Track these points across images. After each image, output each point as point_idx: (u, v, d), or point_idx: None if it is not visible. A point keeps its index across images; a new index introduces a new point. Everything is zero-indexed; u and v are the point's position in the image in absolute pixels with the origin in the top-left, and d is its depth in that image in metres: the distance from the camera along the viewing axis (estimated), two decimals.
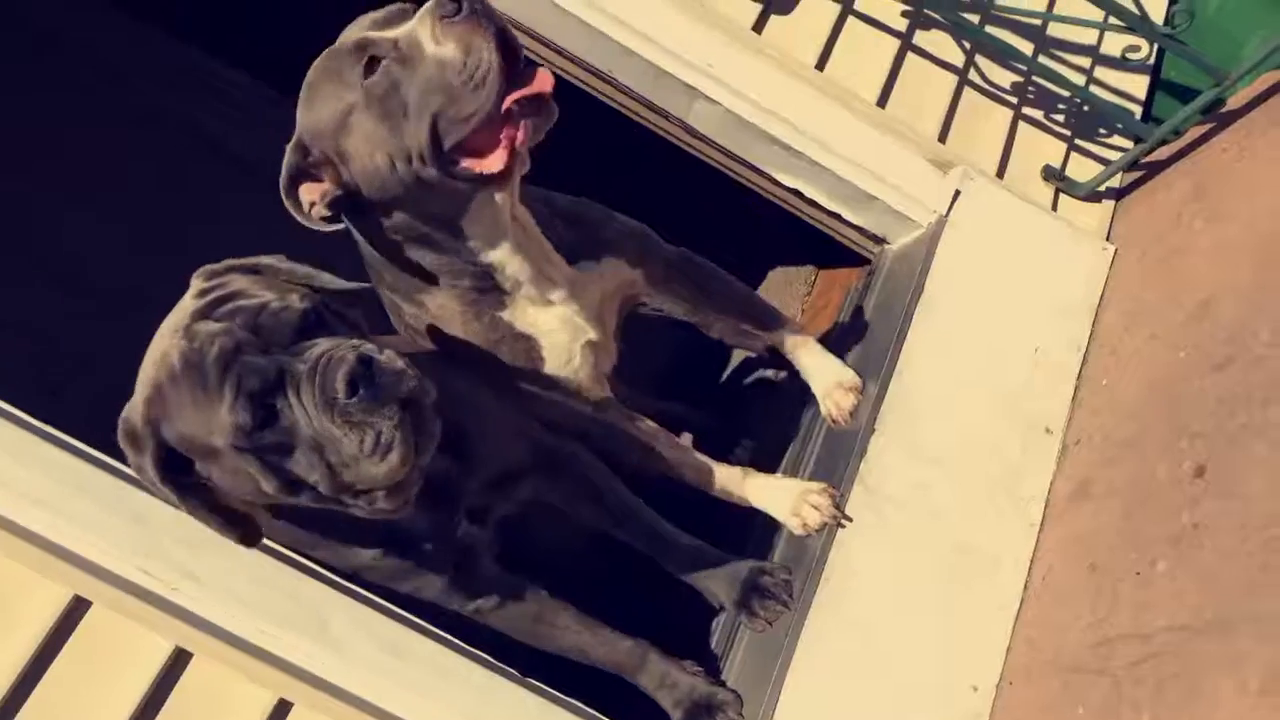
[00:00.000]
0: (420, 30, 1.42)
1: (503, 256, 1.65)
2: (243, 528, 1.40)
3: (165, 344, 1.33)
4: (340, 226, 1.57)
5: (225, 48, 3.26)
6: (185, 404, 1.29)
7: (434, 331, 1.77)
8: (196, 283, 1.43)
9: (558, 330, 1.77)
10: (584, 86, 2.26)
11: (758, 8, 2.27)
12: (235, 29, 3.24)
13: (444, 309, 1.72)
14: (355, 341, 1.33)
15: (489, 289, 1.69)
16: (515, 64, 1.45)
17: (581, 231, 1.83)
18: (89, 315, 2.84)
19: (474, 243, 1.61)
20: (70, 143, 2.98)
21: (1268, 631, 1.26)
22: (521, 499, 1.86)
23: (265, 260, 1.50)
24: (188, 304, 1.37)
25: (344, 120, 1.47)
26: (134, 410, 1.33)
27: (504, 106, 1.44)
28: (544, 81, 1.46)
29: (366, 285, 1.60)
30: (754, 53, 2.20)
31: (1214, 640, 1.33)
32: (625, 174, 2.80)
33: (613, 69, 2.18)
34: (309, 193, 1.54)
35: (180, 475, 1.33)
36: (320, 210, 1.54)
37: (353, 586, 1.65)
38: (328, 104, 1.48)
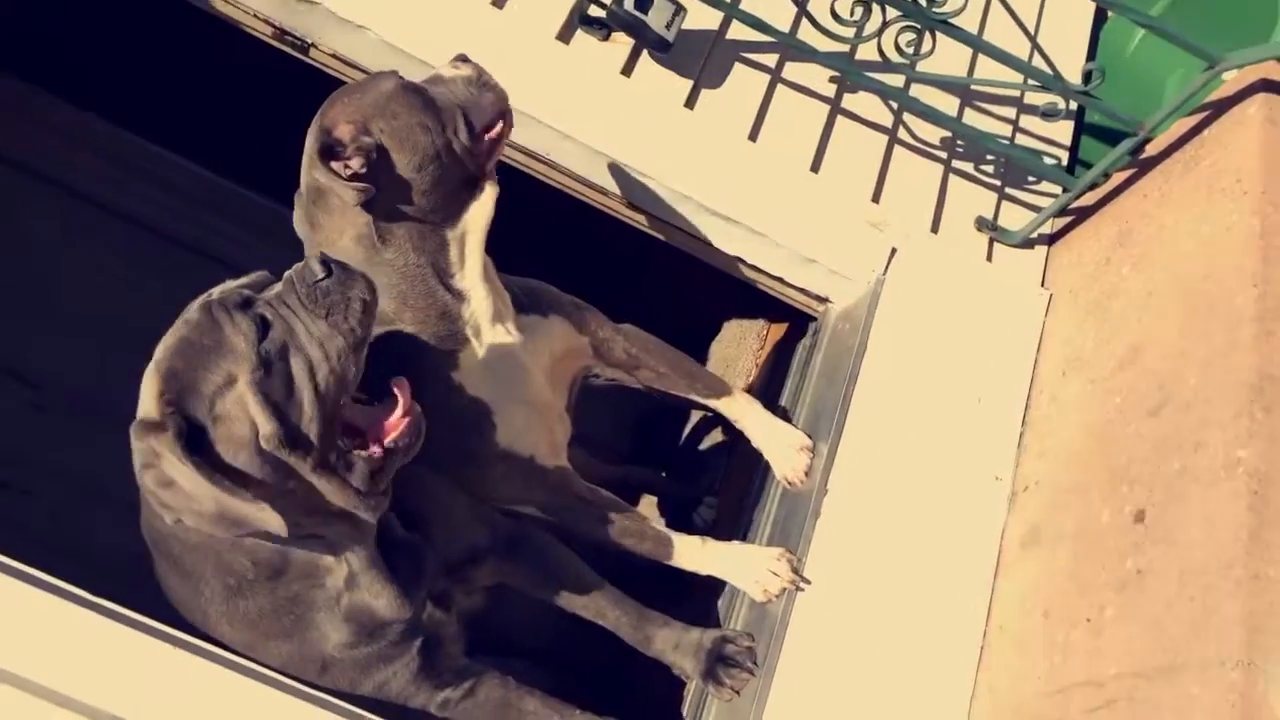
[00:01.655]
0: (441, 70, 1.84)
1: (473, 282, 1.76)
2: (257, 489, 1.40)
3: (166, 341, 1.43)
4: (372, 190, 1.66)
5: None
6: (199, 360, 1.38)
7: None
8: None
9: (509, 390, 1.80)
10: (525, 170, 2.31)
11: (690, 84, 2.33)
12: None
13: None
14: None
15: (450, 335, 1.75)
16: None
17: (529, 293, 1.94)
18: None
19: (454, 255, 1.74)
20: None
21: (1210, 676, 1.29)
22: (482, 583, 1.87)
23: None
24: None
25: (385, 99, 1.69)
26: (146, 410, 1.38)
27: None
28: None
29: None
30: (686, 129, 2.25)
31: (1163, 687, 1.36)
32: (567, 250, 2.85)
33: (550, 151, 2.23)
34: (340, 166, 1.67)
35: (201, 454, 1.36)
36: (356, 167, 1.66)
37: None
38: (365, 92, 1.70)
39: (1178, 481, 1.54)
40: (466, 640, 1.88)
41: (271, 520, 1.37)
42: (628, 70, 2.30)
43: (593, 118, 2.19)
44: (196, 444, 1.36)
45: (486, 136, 1.78)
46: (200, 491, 1.35)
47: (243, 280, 1.51)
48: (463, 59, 1.82)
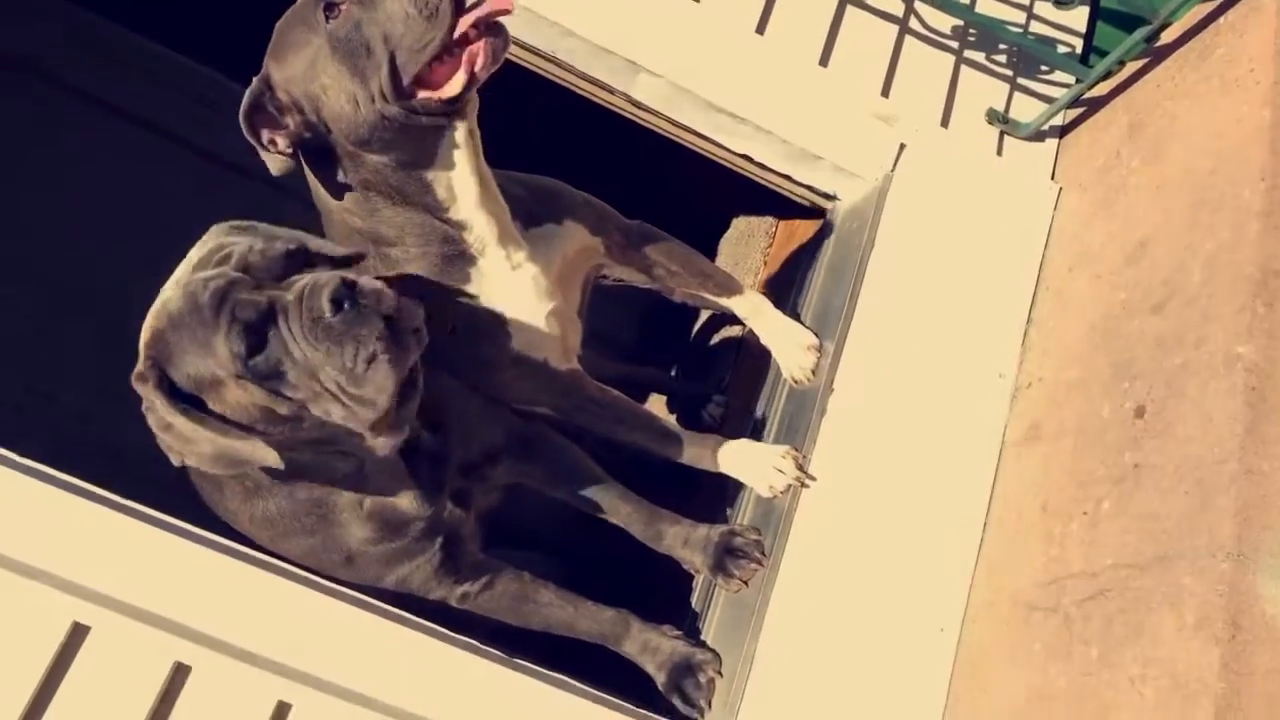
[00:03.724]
0: None
1: (469, 212, 1.72)
2: (271, 441, 1.47)
3: (164, 297, 1.45)
4: (290, 163, 1.66)
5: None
6: (186, 344, 1.41)
7: None
8: (195, 246, 1.54)
9: (522, 299, 1.82)
10: (528, 66, 2.27)
11: None
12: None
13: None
14: (337, 271, 1.43)
15: (456, 255, 1.76)
16: None
17: (541, 200, 1.91)
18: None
19: (442, 194, 1.69)
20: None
21: (1202, 567, 1.33)
22: (499, 482, 1.92)
23: (257, 224, 1.60)
24: (185, 262, 1.50)
25: (310, 64, 1.57)
26: (140, 360, 1.44)
27: (458, 32, 1.54)
28: (500, 2, 1.55)
29: (358, 251, 1.66)
30: (693, 21, 2.20)
31: (1155, 577, 1.41)
32: (577, 148, 2.81)
33: (555, 49, 2.19)
34: (270, 133, 1.65)
35: (188, 403, 1.43)
36: (281, 148, 1.64)
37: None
38: (294, 50, 1.58)
39: (1178, 377, 1.56)
40: (484, 535, 1.95)
41: (268, 456, 1.44)
42: None
43: (596, 11, 2.15)
44: (183, 395, 1.43)
45: (422, 93, 1.57)
46: (194, 434, 1.42)
47: (271, 250, 1.45)
48: None
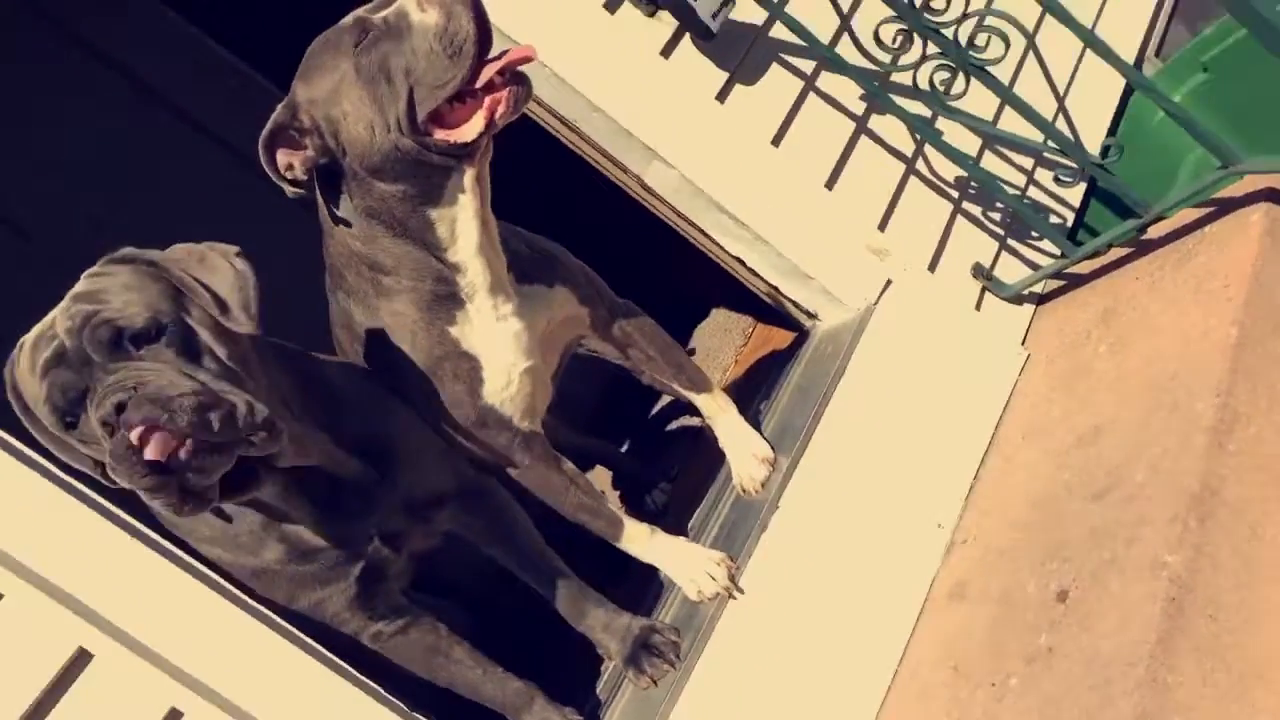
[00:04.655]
0: (406, 2, 1.56)
1: (467, 256, 1.75)
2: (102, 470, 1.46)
3: (30, 335, 1.47)
4: (301, 192, 1.70)
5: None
6: (27, 387, 1.45)
7: (377, 344, 1.85)
8: (81, 280, 1.53)
9: (501, 351, 1.84)
10: (550, 130, 2.32)
11: (725, 76, 2.34)
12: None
13: (398, 316, 1.81)
14: (141, 380, 1.38)
15: (446, 295, 1.78)
16: (487, 43, 1.58)
17: (539, 259, 1.94)
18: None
19: (442, 234, 1.72)
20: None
21: None
22: (440, 527, 1.92)
23: (166, 255, 1.58)
24: (63, 301, 1.49)
25: (335, 89, 1.61)
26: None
27: (482, 79, 1.59)
28: (524, 52, 1.61)
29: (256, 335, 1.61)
30: (715, 121, 2.27)
31: None
32: (578, 206, 2.87)
33: (579, 120, 2.24)
34: (288, 156, 1.67)
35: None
36: (297, 174, 1.67)
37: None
38: (323, 73, 1.62)
39: (1105, 570, 1.62)
40: (411, 576, 1.94)
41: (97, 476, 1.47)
42: (667, 51, 2.31)
43: (625, 93, 2.21)
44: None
45: (439, 132, 1.61)
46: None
47: (104, 332, 1.43)
48: None
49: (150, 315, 1.47)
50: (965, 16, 2.04)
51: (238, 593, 1.68)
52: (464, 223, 1.73)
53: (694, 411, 2.76)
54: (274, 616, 1.69)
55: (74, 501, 1.60)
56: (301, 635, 1.70)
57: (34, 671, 1.53)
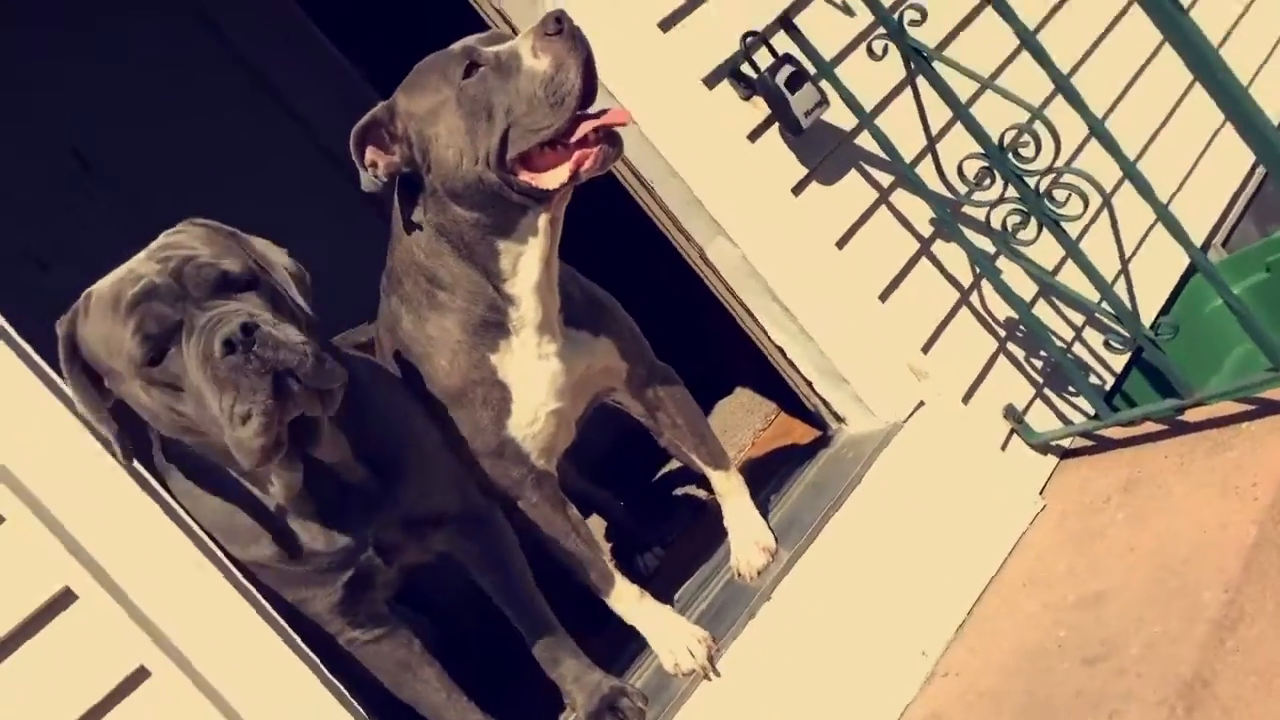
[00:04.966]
0: (522, 44, 1.63)
1: (524, 291, 1.80)
2: (123, 442, 1.53)
3: (111, 275, 1.52)
4: (377, 186, 1.77)
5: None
6: (99, 329, 1.48)
7: (417, 353, 1.89)
8: (166, 233, 1.60)
9: (535, 388, 1.88)
10: (624, 182, 2.37)
11: (804, 172, 2.39)
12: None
13: (444, 332, 1.85)
14: (254, 311, 1.47)
15: (495, 323, 1.82)
16: (590, 98, 1.65)
17: (590, 307, 1.98)
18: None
19: (505, 266, 1.77)
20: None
21: None
22: (435, 547, 1.92)
23: (245, 235, 1.65)
24: (149, 246, 1.56)
25: (435, 110, 1.68)
26: (70, 311, 1.53)
27: (578, 134, 1.64)
28: (621, 116, 1.66)
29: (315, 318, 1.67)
30: (786, 213, 2.31)
31: None
32: (634, 266, 2.90)
33: (655, 181, 2.29)
34: (374, 154, 1.75)
35: (85, 372, 1.52)
36: (379, 174, 1.75)
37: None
38: (426, 92, 1.69)
39: None
40: (397, 588, 1.94)
41: (117, 453, 1.54)
42: (754, 136, 2.36)
43: (705, 167, 2.26)
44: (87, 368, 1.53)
45: (524, 174, 1.67)
46: (76, 399, 1.53)
47: (207, 271, 1.50)
48: (555, 30, 1.60)
49: (242, 267, 1.54)
50: (1051, 171, 2.08)
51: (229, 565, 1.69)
52: (528, 260, 1.78)
53: (702, 484, 2.79)
54: (260, 599, 1.69)
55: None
56: (284, 624, 1.70)
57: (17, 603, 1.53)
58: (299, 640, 1.70)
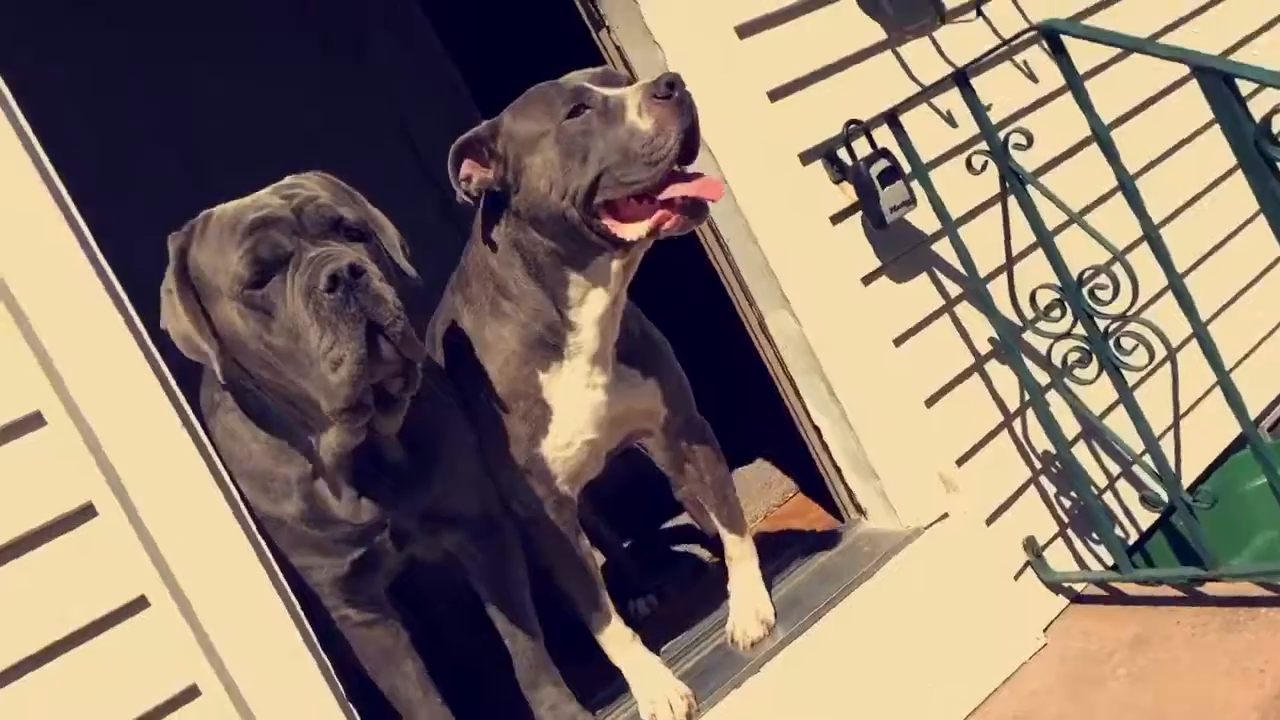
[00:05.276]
0: (630, 98, 1.65)
1: (585, 322, 1.83)
2: (222, 359, 1.56)
3: (236, 202, 1.58)
4: (470, 201, 1.83)
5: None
6: (212, 246, 1.53)
7: (469, 354, 1.93)
8: (299, 175, 1.67)
9: (576, 415, 1.90)
10: (699, 235, 2.40)
11: (877, 264, 2.41)
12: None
13: (501, 340, 1.89)
14: (364, 259, 1.51)
15: (550, 344, 1.86)
16: (689, 158, 1.68)
17: (646, 348, 2.01)
18: None
19: (572, 295, 1.81)
20: None
21: None
22: (444, 545, 1.93)
23: (356, 194, 1.72)
24: (280, 182, 1.63)
25: (536, 140, 1.72)
26: (185, 227, 1.59)
27: (665, 194, 1.67)
28: (713, 190, 1.68)
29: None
30: (851, 301, 2.33)
31: None
32: (691, 305, 2.92)
33: (731, 241, 2.33)
34: (471, 168, 1.80)
35: (189, 288, 1.57)
36: (471, 187, 1.80)
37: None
38: (530, 121, 1.73)
39: None
40: (397, 578, 1.94)
41: (216, 366, 1.54)
42: (837, 219, 2.39)
43: (783, 239, 2.28)
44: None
45: (607, 219, 1.71)
46: (176, 310, 1.55)
47: (328, 210, 1.56)
48: (665, 94, 1.62)
49: (359, 218, 1.60)
50: (1124, 317, 2.09)
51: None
52: (596, 295, 1.82)
53: (707, 544, 2.79)
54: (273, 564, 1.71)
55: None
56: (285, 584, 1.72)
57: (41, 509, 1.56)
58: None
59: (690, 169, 1.72)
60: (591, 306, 1.83)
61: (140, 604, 1.59)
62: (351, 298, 1.45)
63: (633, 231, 1.71)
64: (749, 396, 2.78)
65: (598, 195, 1.69)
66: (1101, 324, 2.12)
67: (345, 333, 1.45)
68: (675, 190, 1.68)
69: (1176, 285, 2.02)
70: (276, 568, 1.71)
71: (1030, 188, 2.15)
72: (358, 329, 1.45)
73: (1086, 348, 2.20)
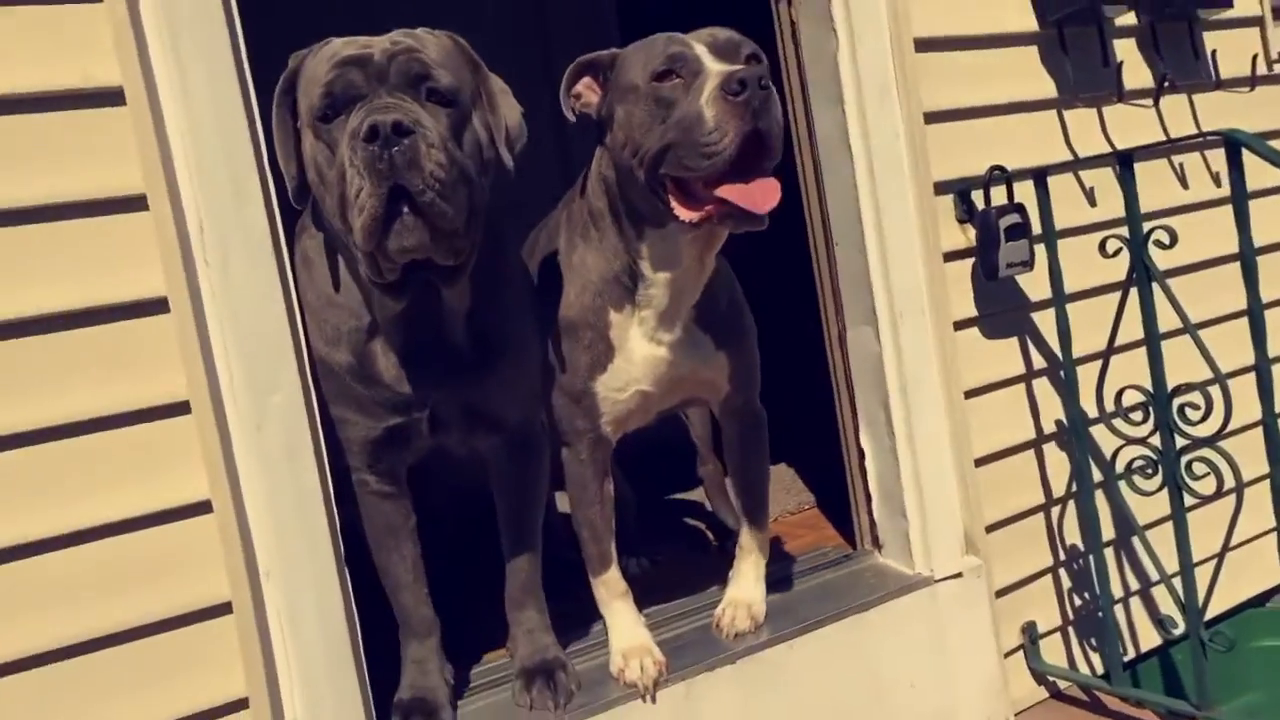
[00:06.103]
0: (710, 81, 1.60)
1: (658, 279, 1.84)
2: (298, 181, 1.63)
3: (356, 39, 1.59)
4: (574, 119, 1.82)
5: None
6: (312, 71, 1.58)
7: (556, 270, 1.95)
8: (428, 30, 1.67)
9: (636, 363, 1.90)
10: (810, 235, 2.37)
11: (974, 313, 2.37)
12: None
13: (584, 266, 1.90)
14: (425, 124, 1.50)
15: (626, 287, 1.86)
16: (762, 159, 1.61)
17: (726, 321, 1.99)
18: None
19: (645, 249, 1.82)
20: None
21: None
22: (474, 445, 1.93)
23: (487, 70, 1.71)
24: (400, 31, 1.63)
25: (626, 91, 1.72)
26: (303, 50, 1.64)
27: (722, 191, 1.62)
28: (761, 203, 1.61)
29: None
30: (939, 340, 2.29)
31: None
32: (771, 310, 2.90)
33: (840, 244, 2.30)
34: (586, 87, 1.81)
35: (290, 109, 1.63)
36: (577, 106, 1.81)
37: None
38: (631, 69, 1.73)
39: None
40: (418, 460, 1.94)
41: (290, 185, 1.63)
42: (950, 258, 2.34)
43: (893, 261, 2.24)
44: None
45: (672, 190, 1.67)
46: (276, 127, 1.63)
47: (417, 67, 1.56)
48: (735, 91, 1.55)
49: (453, 84, 1.59)
50: (1204, 443, 2.03)
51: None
52: (667, 257, 1.82)
53: (713, 528, 2.80)
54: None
55: None
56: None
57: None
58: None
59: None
60: (662, 267, 1.82)
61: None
62: (386, 153, 1.44)
63: (686, 214, 1.67)
64: (799, 400, 2.77)
65: (662, 167, 1.67)
66: (1179, 441, 2.07)
67: (369, 186, 1.46)
68: (727, 191, 1.62)
69: (1269, 425, 1.96)
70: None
71: (1154, 283, 2.09)
72: (381, 186, 1.45)
73: (1155, 459, 2.14)
